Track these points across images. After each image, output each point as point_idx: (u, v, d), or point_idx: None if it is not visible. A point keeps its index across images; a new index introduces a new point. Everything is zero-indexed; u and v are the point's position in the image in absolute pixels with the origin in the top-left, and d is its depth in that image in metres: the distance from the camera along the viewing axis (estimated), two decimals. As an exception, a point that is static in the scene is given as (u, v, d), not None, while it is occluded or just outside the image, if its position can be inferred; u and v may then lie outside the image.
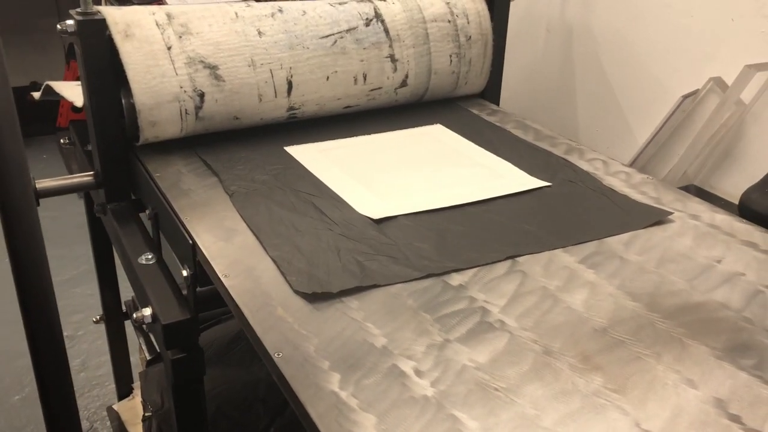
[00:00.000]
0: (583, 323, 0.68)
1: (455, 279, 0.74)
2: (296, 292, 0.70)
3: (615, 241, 0.83)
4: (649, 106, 1.23)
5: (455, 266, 0.76)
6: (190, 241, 0.81)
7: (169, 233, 0.91)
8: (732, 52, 1.08)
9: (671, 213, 0.89)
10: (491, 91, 1.34)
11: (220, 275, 0.73)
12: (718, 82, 1.09)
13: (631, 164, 1.17)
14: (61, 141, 1.32)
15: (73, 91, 1.19)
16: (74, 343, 2.11)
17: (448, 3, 1.24)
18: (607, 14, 1.28)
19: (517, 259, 0.79)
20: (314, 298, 0.70)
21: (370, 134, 1.13)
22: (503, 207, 0.90)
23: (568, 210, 0.90)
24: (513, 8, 1.30)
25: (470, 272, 0.76)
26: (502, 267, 0.77)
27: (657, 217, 0.88)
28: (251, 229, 0.82)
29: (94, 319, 1.54)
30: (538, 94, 1.49)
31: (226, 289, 0.72)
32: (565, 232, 0.84)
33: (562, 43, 1.39)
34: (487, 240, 0.82)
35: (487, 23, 1.26)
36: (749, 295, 0.73)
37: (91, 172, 1.07)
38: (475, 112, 1.26)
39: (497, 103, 1.34)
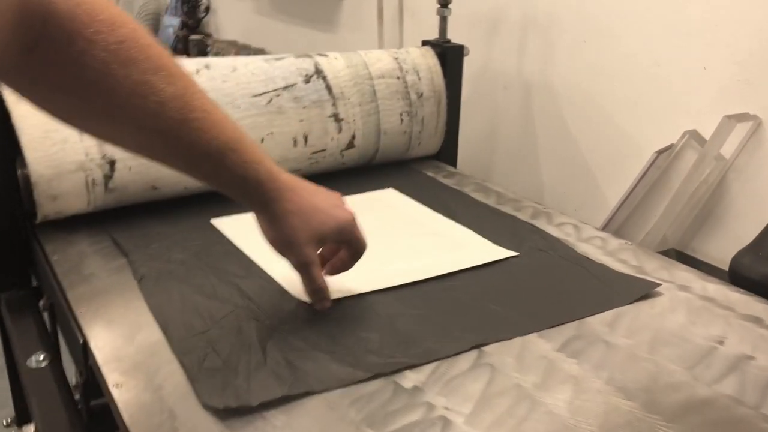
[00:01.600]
0: (569, 433, 0.54)
1: (409, 379, 0.60)
2: (206, 406, 0.55)
3: (597, 322, 0.70)
4: (620, 163, 1.13)
5: (408, 362, 0.62)
6: (81, 340, 0.65)
7: (64, 329, 0.75)
8: (707, 103, 0.99)
9: (659, 284, 0.77)
10: (447, 153, 1.23)
11: (110, 385, 0.58)
12: (694, 135, 0.99)
13: (604, 228, 1.06)
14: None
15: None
16: (-5, 444, 1.88)
17: (396, 58, 1.13)
18: (567, 69, 1.19)
19: (484, 348, 0.65)
20: (229, 413, 0.54)
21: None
22: (465, 283, 0.77)
23: (539, 285, 0.77)
24: (467, 65, 1.20)
25: (428, 368, 0.61)
26: (466, 360, 0.63)
27: (643, 291, 0.76)
28: (158, 323, 0.67)
29: (5, 423, 1.33)
30: (497, 155, 1.39)
31: (115, 404, 0.56)
32: (538, 313, 0.71)
33: (521, 101, 1.30)
34: (447, 326, 0.68)
35: (439, 79, 1.16)
36: (765, 384, 0.60)
37: (-19, 256, 0.91)
38: (431, 174, 1.14)
39: (454, 165, 1.23)
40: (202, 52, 2.33)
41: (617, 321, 0.71)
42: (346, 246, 0.70)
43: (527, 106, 1.29)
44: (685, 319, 0.71)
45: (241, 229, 0.89)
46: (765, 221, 0.89)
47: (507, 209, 0.99)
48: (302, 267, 0.67)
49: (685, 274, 0.81)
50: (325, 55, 1.08)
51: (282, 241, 0.65)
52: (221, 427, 0.53)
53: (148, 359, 0.61)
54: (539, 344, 0.66)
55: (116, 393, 0.57)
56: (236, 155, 0.59)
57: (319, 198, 0.67)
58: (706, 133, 0.98)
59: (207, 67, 0.97)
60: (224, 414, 0.54)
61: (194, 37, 2.43)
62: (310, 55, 1.07)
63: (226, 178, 0.60)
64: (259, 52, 2.02)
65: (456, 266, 0.80)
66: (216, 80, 0.96)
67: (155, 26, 2.86)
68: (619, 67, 1.10)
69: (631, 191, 1.05)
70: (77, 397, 0.70)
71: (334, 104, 1.05)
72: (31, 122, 0.83)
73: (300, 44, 1.93)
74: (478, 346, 0.65)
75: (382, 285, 0.75)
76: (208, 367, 0.60)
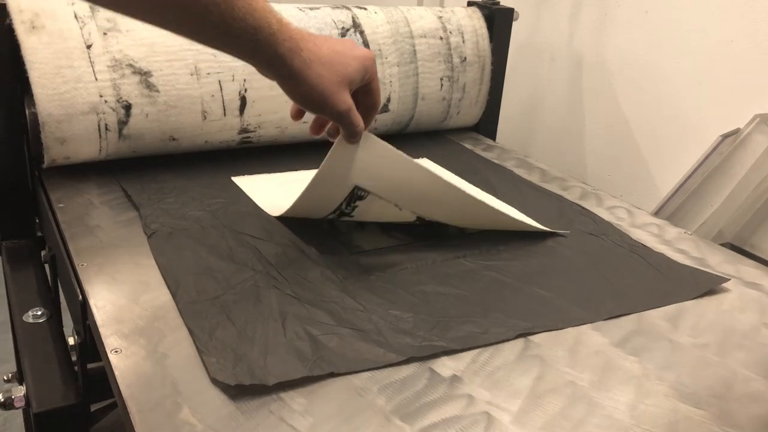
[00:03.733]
0: (633, 442, 0.46)
1: (447, 366, 0.52)
2: (215, 381, 0.48)
3: (658, 316, 0.62)
4: (676, 147, 1.04)
5: (446, 346, 0.54)
6: (80, 297, 0.58)
7: (65, 284, 0.68)
8: (783, 85, 0.90)
9: (727, 279, 0.69)
10: (486, 125, 1.14)
11: (108, 350, 0.51)
12: (766, 120, 0.90)
13: (654, 215, 0.97)
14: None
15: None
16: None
17: (440, 17, 1.04)
18: (624, 41, 1.10)
19: (531, 337, 0.57)
20: (241, 392, 0.47)
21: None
22: (508, 263, 0.69)
23: (591, 271, 0.69)
24: (513, 32, 1.11)
25: (467, 356, 0.54)
26: (511, 349, 0.55)
27: (708, 286, 0.67)
28: (167, 284, 0.60)
29: (5, 378, 1.28)
30: (538, 131, 1.30)
31: (112, 372, 0.49)
32: (592, 302, 0.63)
33: (570, 74, 1.20)
34: (490, 309, 0.60)
35: (485, 43, 1.07)
36: None
37: (-16, 200, 0.85)
38: (468, 146, 1.06)
39: (493, 138, 1.15)
40: None
41: (680, 317, 0.63)
42: (366, 94, 0.63)
43: (575, 81, 1.20)
44: (758, 320, 0.63)
45: (266, 189, 0.82)
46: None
47: (552, 188, 0.91)
48: (341, 116, 0.60)
49: (753, 270, 0.73)
50: (364, 8, 1.00)
51: (312, 96, 0.58)
52: (231, 408, 0.46)
53: (153, 324, 0.54)
54: (594, 337, 0.58)
55: (114, 359, 0.50)
56: (244, 2, 0.52)
57: (334, 43, 0.60)
58: (780, 118, 0.89)
59: (237, 11, 0.89)
60: (235, 392, 0.47)
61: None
62: (348, 7, 0.99)
63: (236, 30, 0.52)
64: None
65: (512, 213, 0.75)
66: (245, 26, 0.88)
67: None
68: (685, 43, 1.01)
69: (689, 177, 0.96)
70: (74, 358, 0.64)
71: (370, 62, 0.97)
72: (42, 56, 0.76)
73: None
74: (525, 335, 0.57)
75: (446, 179, 0.70)
76: (220, 337, 0.52)
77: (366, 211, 0.71)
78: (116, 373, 0.48)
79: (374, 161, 0.66)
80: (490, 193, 0.87)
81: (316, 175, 0.67)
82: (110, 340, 0.52)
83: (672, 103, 1.03)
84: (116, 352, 0.50)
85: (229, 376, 0.48)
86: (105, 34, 0.80)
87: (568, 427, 0.47)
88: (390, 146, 0.66)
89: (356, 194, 0.68)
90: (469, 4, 1.11)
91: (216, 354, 0.50)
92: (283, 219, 0.74)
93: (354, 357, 0.52)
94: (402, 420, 0.46)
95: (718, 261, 0.74)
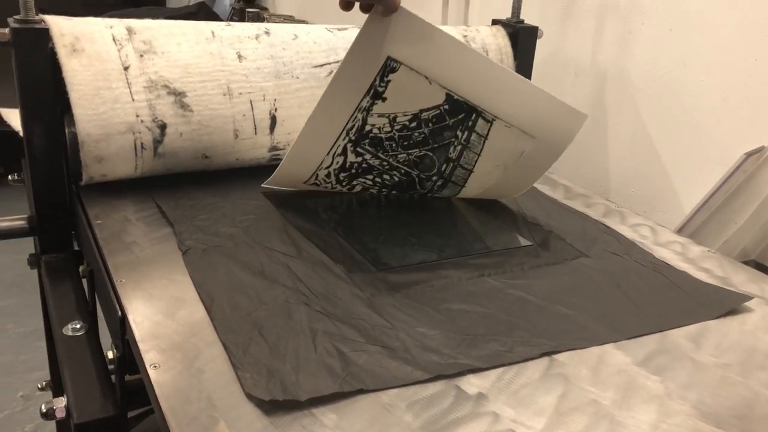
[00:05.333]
0: (655, 462, 0.47)
1: (473, 384, 0.54)
2: (249, 396, 0.50)
3: (681, 336, 0.63)
4: (700, 164, 1.04)
5: (472, 364, 0.56)
6: (119, 313, 0.61)
7: (102, 298, 0.71)
8: (808, 104, 0.90)
9: (750, 298, 0.69)
10: (511, 141, 1.15)
11: (147, 365, 0.53)
12: (790, 140, 0.90)
13: (678, 232, 0.98)
14: (9, 178, 1.13)
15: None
16: (29, 405, 1.88)
17: (465, 36, 1.06)
18: (649, 58, 1.11)
19: (555, 356, 0.58)
20: (274, 406, 0.49)
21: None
22: (532, 282, 0.70)
23: (614, 290, 0.70)
24: (537, 48, 1.13)
25: (493, 374, 0.55)
26: (536, 368, 0.57)
27: (732, 305, 0.68)
28: (202, 300, 0.62)
29: (39, 386, 1.32)
30: (563, 147, 1.31)
31: (152, 386, 0.51)
32: (615, 321, 0.64)
33: (593, 90, 1.21)
34: (515, 327, 0.62)
35: (510, 61, 1.09)
36: None
37: (25, 216, 0.88)
38: (493, 163, 1.07)
39: (517, 155, 1.16)
40: (258, 24, 2.29)
41: (703, 336, 0.63)
42: None
43: (599, 97, 1.21)
44: (781, 341, 0.64)
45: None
46: None
47: (576, 205, 0.92)
48: None
49: (777, 289, 0.73)
50: (391, 29, 1.02)
51: None
52: (265, 422, 0.48)
53: (190, 339, 0.57)
54: (617, 356, 0.59)
55: (153, 374, 0.52)
56: None
57: None
58: (805, 137, 0.89)
59: (267, 32, 0.92)
60: (269, 407, 0.49)
61: (251, 10, 2.38)
62: (375, 28, 1.01)
63: None
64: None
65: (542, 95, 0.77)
66: (276, 47, 0.91)
67: (212, -3, 2.83)
68: (709, 60, 1.01)
69: (712, 195, 0.96)
70: (112, 370, 0.66)
71: (396, 81, 0.99)
72: (82, 78, 0.79)
73: (359, 21, 1.87)
74: (549, 353, 0.58)
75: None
76: (254, 353, 0.55)
77: (398, 91, 0.73)
78: (155, 387, 0.51)
79: (408, 33, 0.70)
80: (516, 210, 0.88)
81: (350, 50, 0.71)
82: (149, 356, 0.54)
83: (696, 120, 1.04)
84: (155, 367, 0.53)
85: (263, 391, 0.50)
86: (141, 56, 0.83)
87: (592, 445, 0.48)
88: (424, 19, 0.69)
89: (389, 66, 0.72)
90: (494, 22, 1.13)
91: (250, 369, 0.52)
92: (310, 236, 0.76)
93: (382, 374, 0.53)
94: (429, 436, 0.48)
95: (741, 280, 0.75)
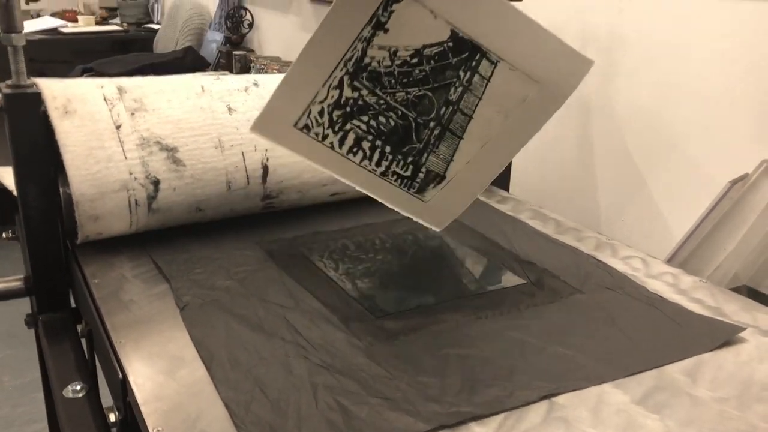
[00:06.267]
0: (659, 504, 0.48)
1: (474, 432, 0.54)
2: (253, 457, 0.50)
3: (677, 371, 0.64)
4: (687, 193, 1.06)
5: (474, 412, 0.56)
6: (120, 375, 0.61)
7: (102, 358, 0.71)
8: (788, 131, 0.92)
9: (743, 329, 0.70)
10: (500, 176, 1.17)
11: (151, 429, 0.53)
12: (773, 165, 0.92)
13: (668, 261, 0.99)
14: (3, 235, 1.14)
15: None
16: (27, 460, 1.86)
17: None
18: (632, 88, 1.13)
19: (556, 398, 0.59)
20: (278, 466, 0.49)
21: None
22: (529, 322, 0.71)
23: (610, 326, 0.71)
24: (522, 84, 1.15)
25: (494, 421, 0.56)
26: (536, 412, 0.57)
27: (725, 336, 0.69)
28: (201, 358, 0.62)
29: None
30: (552, 180, 1.33)
31: (155, 452, 0.51)
32: (612, 359, 0.65)
33: (579, 122, 1.24)
34: (514, 370, 0.62)
35: (494, 99, 1.10)
36: None
37: (20, 276, 0.88)
38: (484, 199, 1.09)
39: (507, 189, 1.17)
40: (246, 67, 2.32)
41: (699, 370, 0.64)
42: None
43: (585, 128, 1.23)
44: (776, 371, 0.64)
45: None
46: None
47: (568, 239, 0.93)
48: None
49: (769, 317, 0.74)
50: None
51: None
52: (270, 482, 0.48)
53: (191, 399, 0.57)
54: (616, 395, 0.60)
55: (156, 438, 0.52)
56: None
57: None
58: (787, 163, 0.91)
59: (256, 84, 0.94)
60: (273, 467, 0.49)
61: (237, 52, 2.42)
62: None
63: None
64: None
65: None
66: (264, 98, 0.92)
67: (199, 41, 2.87)
68: (691, 90, 1.04)
69: (700, 223, 0.98)
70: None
71: (385, 124, 1.01)
72: (75, 139, 0.80)
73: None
74: (549, 396, 0.59)
75: None
76: (255, 410, 0.55)
77: (401, 22, 0.70)
78: (159, 452, 0.51)
79: None
80: (509, 248, 0.89)
81: None
82: (152, 419, 0.54)
83: (680, 149, 1.06)
84: (158, 431, 0.53)
85: (267, 451, 0.50)
86: (133, 114, 0.84)
87: (595, 490, 0.49)
88: None
89: None
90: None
91: (253, 428, 0.53)
92: (306, 285, 0.76)
93: (384, 427, 0.54)
94: (434, 489, 0.48)
95: (733, 309, 0.76)
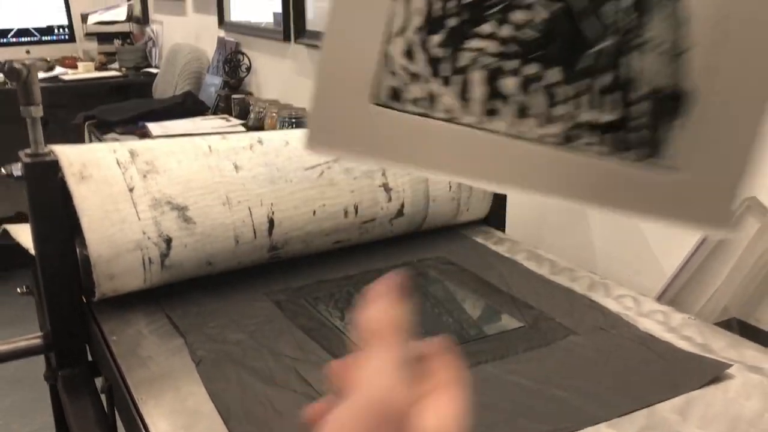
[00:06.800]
0: None
1: (478, 477, 0.58)
2: None
3: (668, 409, 0.68)
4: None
5: (476, 457, 0.60)
6: (143, 431, 0.65)
7: (124, 414, 0.75)
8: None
9: (729, 365, 0.74)
10: (496, 217, 1.22)
11: (175, 484, 0.57)
12: (754, 203, 0.97)
13: (660, 297, 1.03)
14: (18, 290, 1.18)
15: (30, 237, 1.06)
16: (40, 507, 1.88)
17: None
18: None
19: (553, 441, 0.63)
20: None
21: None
22: (527, 366, 0.75)
23: (603, 367, 0.75)
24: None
25: (496, 465, 0.59)
26: (535, 455, 0.61)
27: (713, 373, 0.73)
28: (219, 412, 0.66)
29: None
30: (546, 218, 1.37)
31: (181, 506, 0.55)
32: (605, 399, 0.68)
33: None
34: (514, 415, 0.66)
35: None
36: None
37: (40, 334, 0.92)
38: (480, 241, 1.13)
39: (503, 230, 1.22)
40: (244, 110, 2.38)
41: (689, 408, 0.68)
42: None
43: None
44: (761, 406, 0.68)
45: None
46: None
47: (562, 280, 0.97)
48: None
49: (754, 353, 0.78)
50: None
51: None
52: None
53: (211, 453, 0.61)
54: (610, 436, 0.64)
55: (181, 493, 0.56)
56: None
57: None
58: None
59: (260, 141, 0.99)
60: None
61: (236, 96, 2.48)
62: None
63: None
64: (301, 111, 2.05)
65: None
66: (269, 155, 0.97)
67: (197, 85, 2.93)
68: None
69: (689, 259, 1.02)
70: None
71: (383, 174, 1.05)
72: (91, 203, 0.84)
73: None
74: (546, 439, 0.63)
75: None
76: (272, 463, 0.59)
77: None
78: (185, 506, 0.54)
79: None
80: (505, 290, 0.93)
81: None
82: (176, 475, 0.58)
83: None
84: (182, 486, 0.57)
85: (286, 503, 0.54)
86: (144, 176, 0.89)
87: None
88: None
89: None
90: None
91: (271, 481, 0.56)
92: (314, 335, 0.80)
93: (394, 475, 0.57)
94: None
95: (721, 346, 0.80)
